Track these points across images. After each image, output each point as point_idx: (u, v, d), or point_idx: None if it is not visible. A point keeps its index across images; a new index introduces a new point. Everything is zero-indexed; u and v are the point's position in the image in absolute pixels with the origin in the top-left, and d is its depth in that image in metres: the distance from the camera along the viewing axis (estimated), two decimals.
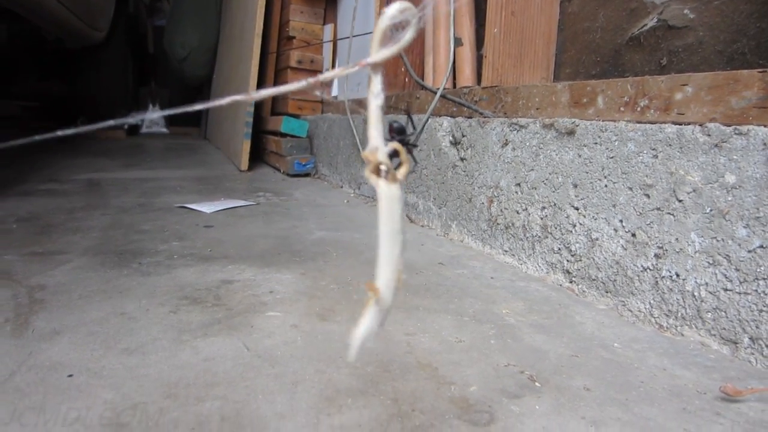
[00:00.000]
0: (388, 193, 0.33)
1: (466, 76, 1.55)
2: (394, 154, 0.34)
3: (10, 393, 0.59)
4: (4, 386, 0.60)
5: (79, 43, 4.14)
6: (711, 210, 0.78)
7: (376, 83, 0.33)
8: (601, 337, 0.81)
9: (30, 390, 0.60)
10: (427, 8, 0.31)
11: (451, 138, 1.40)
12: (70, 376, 0.63)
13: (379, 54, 0.32)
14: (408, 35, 0.32)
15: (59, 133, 0.33)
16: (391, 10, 0.32)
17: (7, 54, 4.36)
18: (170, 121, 5.80)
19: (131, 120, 0.35)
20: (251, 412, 0.57)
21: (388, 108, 1.79)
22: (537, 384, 0.66)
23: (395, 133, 0.36)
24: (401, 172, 0.34)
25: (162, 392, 0.60)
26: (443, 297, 0.95)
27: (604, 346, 0.77)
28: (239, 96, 0.32)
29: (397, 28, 0.32)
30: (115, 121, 0.33)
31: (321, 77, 0.33)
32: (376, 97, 0.33)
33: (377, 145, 0.33)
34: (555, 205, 1.06)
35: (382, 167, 0.33)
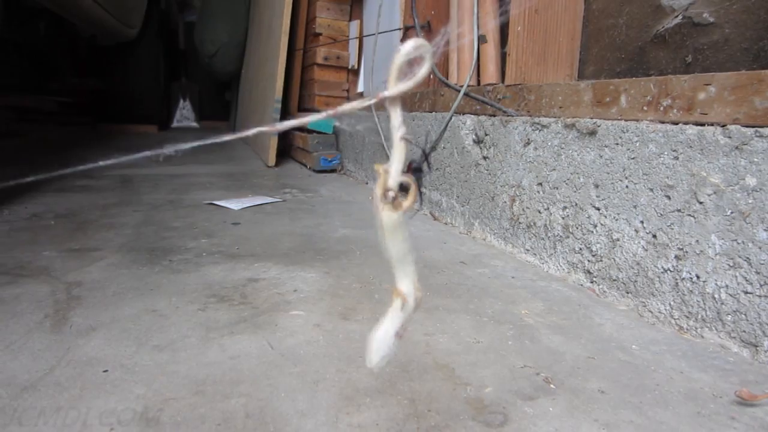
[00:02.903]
0: (389, 219, 0.35)
1: (490, 74, 1.55)
2: (404, 187, 0.36)
3: (51, 387, 0.63)
4: (45, 380, 0.64)
5: (113, 39, 4.24)
6: (732, 212, 0.78)
7: (396, 116, 0.35)
8: (620, 338, 0.82)
9: (69, 384, 0.64)
10: (439, 47, 0.33)
11: (474, 136, 1.41)
12: (105, 371, 0.67)
13: (396, 88, 0.34)
14: (423, 70, 0.33)
15: (101, 163, 0.36)
16: (407, 47, 0.34)
17: (44, 51, 4.49)
18: (200, 115, 5.90)
19: (166, 151, 0.37)
20: (274, 409, 0.60)
21: (412, 105, 1.80)
22: (552, 386, 0.67)
23: (412, 171, 0.38)
24: (406, 204, 0.35)
25: (191, 389, 0.63)
26: (463, 297, 0.97)
27: (621, 348, 0.78)
28: (264, 128, 0.34)
29: (412, 64, 0.34)
30: (151, 152, 0.36)
31: (340, 109, 0.35)
32: (397, 129, 0.35)
33: (393, 172, 0.35)
34: (576, 205, 1.06)
35: (390, 193, 0.35)
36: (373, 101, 0.35)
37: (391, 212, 0.35)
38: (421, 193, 0.37)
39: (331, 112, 0.35)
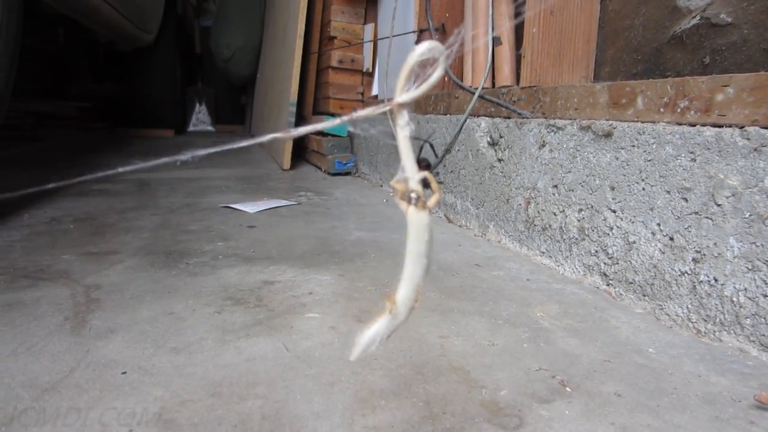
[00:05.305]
0: (417, 219, 0.35)
1: (505, 76, 1.55)
2: (425, 184, 0.36)
3: (71, 388, 0.64)
4: (66, 382, 0.65)
5: (131, 45, 4.30)
6: (750, 215, 0.77)
7: (403, 115, 0.35)
8: (636, 341, 0.81)
9: (88, 386, 0.64)
10: (453, 50, 0.33)
11: (488, 139, 1.40)
12: (124, 373, 0.68)
13: (410, 94, 0.34)
14: (436, 74, 0.34)
15: (120, 169, 0.37)
16: (420, 49, 0.34)
17: (63, 57, 4.57)
18: (216, 119, 5.96)
19: (183, 157, 0.38)
20: (290, 411, 0.60)
21: (427, 107, 1.80)
22: (568, 389, 0.67)
23: (424, 168, 0.38)
24: (431, 201, 0.36)
25: (207, 391, 0.64)
26: (478, 299, 0.96)
27: (638, 351, 0.78)
28: (279, 134, 0.34)
29: (425, 65, 0.34)
30: (168, 158, 0.36)
31: (354, 115, 0.35)
32: (402, 128, 0.35)
33: (408, 174, 0.35)
34: (592, 207, 1.05)
35: (413, 195, 0.35)
36: (386, 107, 0.35)
37: (419, 213, 0.35)
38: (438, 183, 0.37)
39: (345, 117, 0.35)
